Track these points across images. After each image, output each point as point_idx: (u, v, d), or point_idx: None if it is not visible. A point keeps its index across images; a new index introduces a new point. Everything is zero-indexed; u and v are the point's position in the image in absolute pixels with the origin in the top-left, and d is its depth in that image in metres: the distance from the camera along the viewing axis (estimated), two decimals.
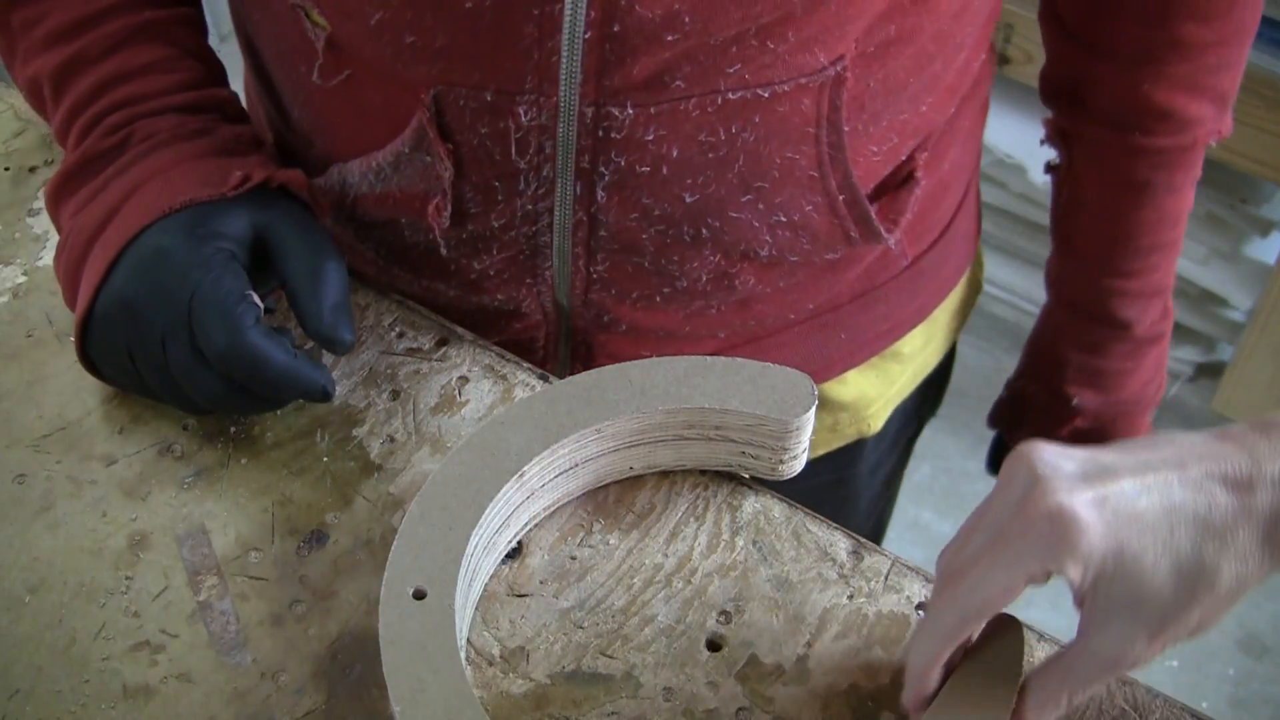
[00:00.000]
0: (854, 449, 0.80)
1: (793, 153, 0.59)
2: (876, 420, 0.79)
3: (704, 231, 0.61)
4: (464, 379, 0.63)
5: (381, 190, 0.64)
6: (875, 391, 0.77)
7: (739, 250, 0.63)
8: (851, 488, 0.85)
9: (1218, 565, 0.43)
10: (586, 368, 0.68)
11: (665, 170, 0.59)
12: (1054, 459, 0.45)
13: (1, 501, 0.58)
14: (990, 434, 0.95)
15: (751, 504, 0.58)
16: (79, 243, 0.60)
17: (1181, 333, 1.88)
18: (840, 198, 0.62)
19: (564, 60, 0.55)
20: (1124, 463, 0.45)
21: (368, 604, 0.54)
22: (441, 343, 0.65)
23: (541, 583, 0.55)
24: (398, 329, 0.66)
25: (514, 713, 0.51)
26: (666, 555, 0.56)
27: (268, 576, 0.55)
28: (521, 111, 0.57)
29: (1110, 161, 0.76)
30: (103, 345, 0.59)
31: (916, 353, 0.78)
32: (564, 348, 0.69)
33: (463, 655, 0.49)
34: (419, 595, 0.49)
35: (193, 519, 0.58)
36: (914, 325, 0.76)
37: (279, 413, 0.62)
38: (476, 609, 0.54)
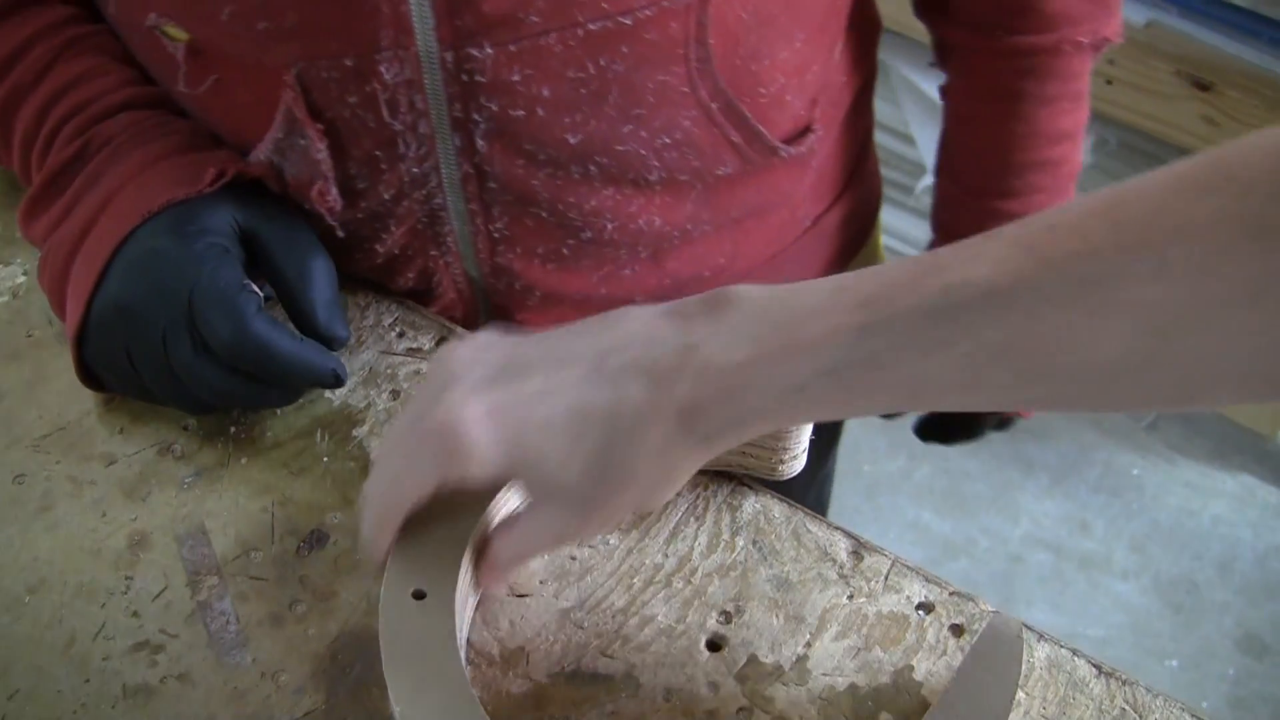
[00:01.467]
0: None
1: (664, 75, 0.59)
2: None
3: (591, 168, 0.61)
4: None
5: (278, 186, 0.63)
6: None
7: (629, 179, 0.63)
8: None
9: (631, 460, 0.44)
10: None
11: (541, 112, 0.58)
12: (468, 362, 0.46)
13: (1, 501, 0.58)
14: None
15: (751, 504, 0.58)
16: (60, 257, 0.60)
17: None
18: (714, 105, 0.62)
19: (414, 6, 0.54)
20: (542, 358, 0.46)
21: (368, 604, 0.54)
22: (441, 342, 0.65)
23: (541, 583, 0.55)
24: (398, 329, 0.65)
25: (514, 713, 0.51)
26: (666, 555, 0.56)
27: (268, 576, 0.55)
28: (384, 70, 0.56)
29: (979, 70, 0.74)
30: (101, 352, 0.59)
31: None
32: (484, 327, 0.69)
33: (463, 655, 0.49)
34: (419, 595, 0.49)
35: (193, 519, 0.58)
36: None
37: (279, 412, 0.62)
38: (476, 609, 0.54)
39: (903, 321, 0.40)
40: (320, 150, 0.59)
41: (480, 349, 0.47)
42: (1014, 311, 0.39)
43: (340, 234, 0.64)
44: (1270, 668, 1.65)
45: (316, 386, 0.61)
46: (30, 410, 0.62)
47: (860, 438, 1.87)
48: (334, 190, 0.61)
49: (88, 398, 0.62)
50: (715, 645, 0.53)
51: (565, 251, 0.65)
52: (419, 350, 0.65)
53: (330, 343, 0.59)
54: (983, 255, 0.40)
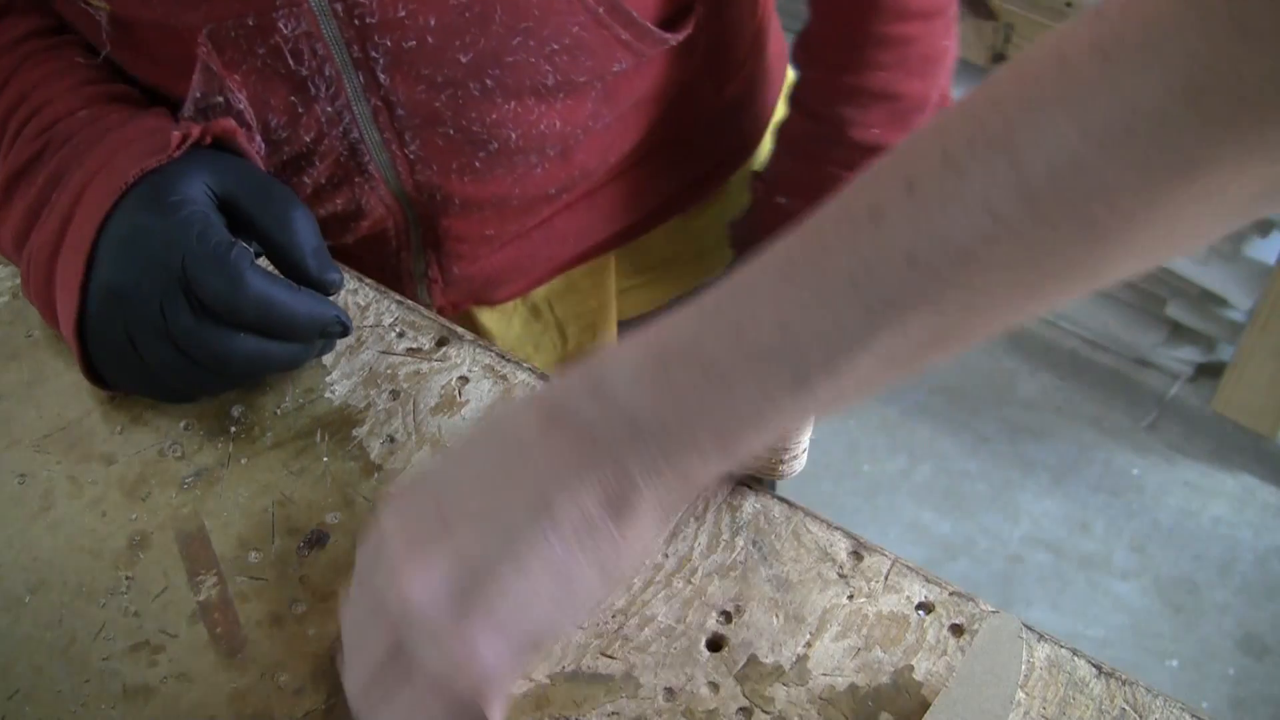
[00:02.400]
0: None
1: None
2: (718, 266, 0.82)
3: (488, 83, 0.64)
4: (464, 379, 0.63)
5: (203, 125, 0.63)
6: (714, 240, 0.80)
7: (527, 89, 0.65)
8: None
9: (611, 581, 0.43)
10: (439, 254, 0.72)
11: (431, 40, 0.61)
12: (419, 589, 0.41)
13: (1, 501, 0.58)
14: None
15: (751, 504, 0.58)
16: (42, 261, 0.60)
17: (1181, 333, 1.89)
18: (599, 9, 0.64)
19: None
20: (489, 546, 0.41)
21: None
22: (441, 343, 0.65)
23: None
24: (398, 329, 0.66)
25: (514, 713, 0.51)
26: (666, 555, 0.56)
27: (268, 576, 0.55)
28: (283, 25, 0.60)
29: None
30: (103, 342, 0.58)
31: (739, 194, 0.81)
32: (415, 235, 0.72)
33: None
34: None
35: (193, 519, 0.58)
36: (739, 165, 0.80)
37: (279, 412, 0.62)
38: None
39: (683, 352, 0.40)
40: (240, 101, 0.62)
41: (418, 566, 0.42)
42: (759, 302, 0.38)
43: (277, 171, 0.67)
44: (1271, 668, 1.65)
45: (324, 337, 0.60)
46: (30, 410, 0.62)
47: (860, 438, 1.87)
48: (259, 139, 0.64)
49: (88, 398, 0.62)
50: (715, 645, 0.53)
51: (477, 164, 0.68)
52: (419, 350, 0.65)
53: (325, 288, 0.60)
54: (753, 286, 0.39)
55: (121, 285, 0.57)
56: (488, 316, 0.79)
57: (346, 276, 0.68)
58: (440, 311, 0.76)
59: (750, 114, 0.79)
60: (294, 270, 0.60)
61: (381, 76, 0.63)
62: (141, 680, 0.52)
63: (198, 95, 0.63)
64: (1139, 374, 1.94)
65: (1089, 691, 0.51)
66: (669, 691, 0.52)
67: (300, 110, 0.64)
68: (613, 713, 0.51)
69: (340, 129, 0.65)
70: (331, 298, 0.61)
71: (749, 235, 0.84)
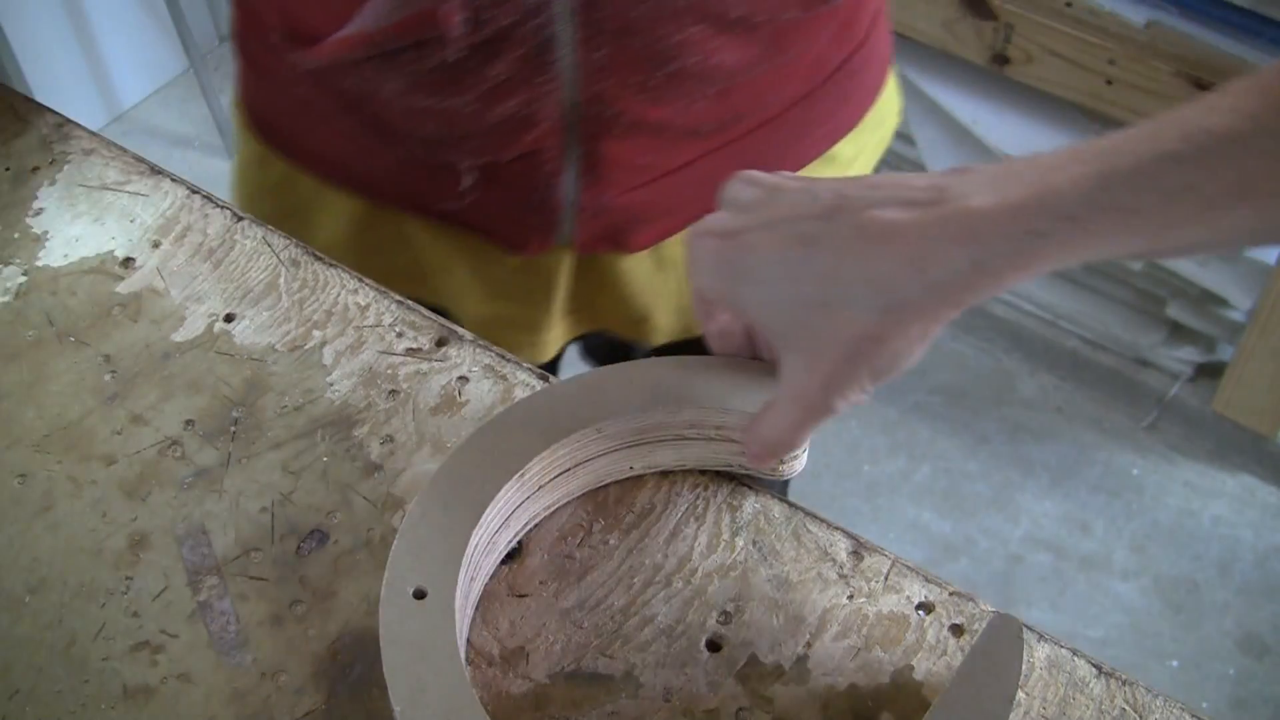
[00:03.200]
0: None
1: None
2: None
3: (688, 2, 0.66)
4: (464, 379, 0.63)
5: (400, 17, 0.65)
6: None
7: (715, 15, 0.67)
8: None
9: (851, 284, 0.47)
10: (593, 179, 0.72)
11: None
12: (733, 196, 0.53)
13: (2, 501, 0.58)
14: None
15: (751, 504, 0.58)
16: None
17: (1181, 333, 1.89)
18: None
19: None
20: (798, 189, 0.51)
21: (368, 604, 0.54)
22: (441, 343, 0.65)
23: (541, 583, 0.55)
24: (398, 329, 0.66)
25: (514, 713, 0.51)
26: (666, 555, 0.56)
27: (268, 576, 0.55)
28: None
29: None
30: None
31: (848, 164, 0.84)
32: (572, 157, 0.72)
33: (463, 655, 0.49)
34: (419, 595, 0.49)
35: (193, 519, 0.58)
36: (847, 131, 0.82)
37: (279, 412, 0.62)
38: (477, 609, 0.54)
39: (1145, 168, 0.43)
40: None
41: (749, 183, 0.52)
42: (1252, 153, 0.41)
43: (456, 59, 0.66)
44: (1271, 668, 1.64)
45: None
46: (30, 410, 0.62)
47: (860, 438, 1.87)
48: (461, 13, 0.64)
49: (88, 398, 0.62)
50: (715, 645, 0.53)
51: (653, 83, 0.69)
52: (419, 350, 0.65)
53: None
54: (1216, 108, 0.43)
55: None
56: (619, 264, 0.80)
57: (346, 276, 0.68)
58: (580, 250, 0.77)
59: (866, 80, 0.84)
60: None
61: None
62: (141, 680, 0.52)
63: None
64: (1139, 374, 1.94)
65: (1089, 691, 0.51)
66: (669, 691, 0.52)
67: None
68: (613, 713, 0.51)
69: (538, 21, 0.65)
70: None
71: None
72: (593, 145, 0.71)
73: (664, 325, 0.83)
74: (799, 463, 0.57)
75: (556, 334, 0.83)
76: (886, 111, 0.88)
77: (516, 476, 0.53)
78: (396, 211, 0.78)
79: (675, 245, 0.80)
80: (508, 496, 0.53)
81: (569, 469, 0.56)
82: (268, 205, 0.81)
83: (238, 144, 0.84)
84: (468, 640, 0.53)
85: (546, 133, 0.70)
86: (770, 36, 0.71)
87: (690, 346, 0.83)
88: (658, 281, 0.81)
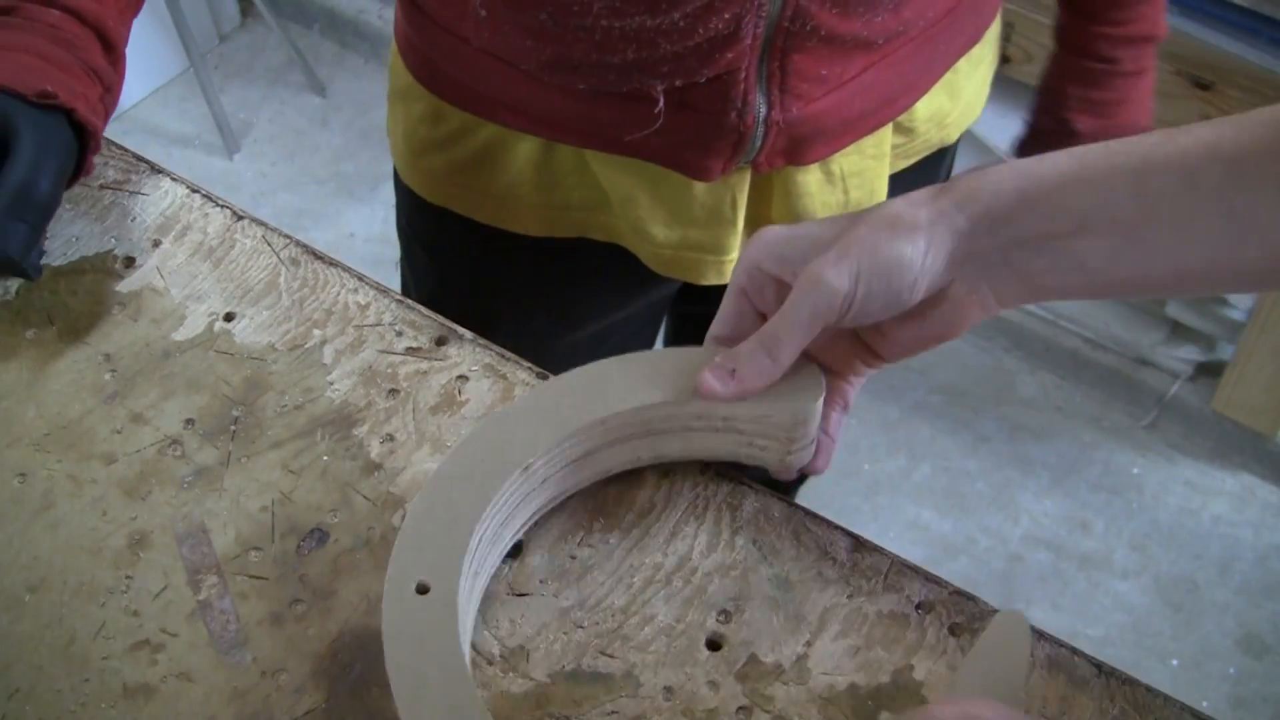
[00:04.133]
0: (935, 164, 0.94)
1: None
2: (954, 130, 0.91)
3: None
4: (464, 378, 0.63)
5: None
6: (949, 104, 0.89)
7: None
8: None
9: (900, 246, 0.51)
10: (782, 93, 0.74)
11: None
12: None
13: (1, 501, 0.58)
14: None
15: (751, 503, 0.58)
16: None
17: (1181, 333, 1.89)
18: None
19: None
20: None
21: (368, 603, 0.54)
22: (441, 342, 0.65)
23: (541, 582, 0.55)
24: (397, 328, 0.65)
25: (514, 712, 0.51)
26: (666, 554, 0.56)
27: (268, 576, 0.55)
28: None
29: None
30: None
31: (963, 86, 0.89)
32: (763, 74, 0.73)
33: (466, 651, 0.49)
34: (422, 590, 0.49)
35: (193, 519, 0.58)
36: (974, 43, 0.88)
37: (279, 412, 0.62)
38: (478, 608, 0.54)
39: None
40: None
41: None
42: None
43: None
44: (1271, 667, 1.64)
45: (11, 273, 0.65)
46: (30, 410, 0.62)
47: (860, 437, 1.87)
48: None
49: (88, 397, 0.62)
50: (715, 645, 0.53)
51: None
52: (419, 349, 0.65)
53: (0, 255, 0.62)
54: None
55: None
56: (793, 178, 0.82)
57: (346, 275, 0.68)
58: (760, 167, 0.79)
59: (980, 13, 0.88)
60: None
61: None
62: (141, 680, 0.52)
63: None
64: (1139, 373, 1.94)
65: (1089, 691, 0.51)
66: (669, 691, 0.52)
67: None
68: (612, 712, 0.51)
69: None
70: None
71: (1036, 151, 0.96)
72: (784, 61, 0.73)
73: None
74: (806, 454, 0.57)
75: (738, 255, 0.85)
76: (994, 33, 0.94)
77: (521, 470, 0.53)
78: (578, 148, 0.80)
79: (843, 159, 0.83)
80: (512, 490, 0.53)
81: (574, 460, 0.56)
82: (442, 159, 0.83)
83: (399, 104, 0.85)
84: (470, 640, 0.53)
85: (745, 50, 0.72)
86: None
87: None
88: (826, 193, 0.84)
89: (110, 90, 0.69)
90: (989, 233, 0.52)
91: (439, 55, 0.79)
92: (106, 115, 0.69)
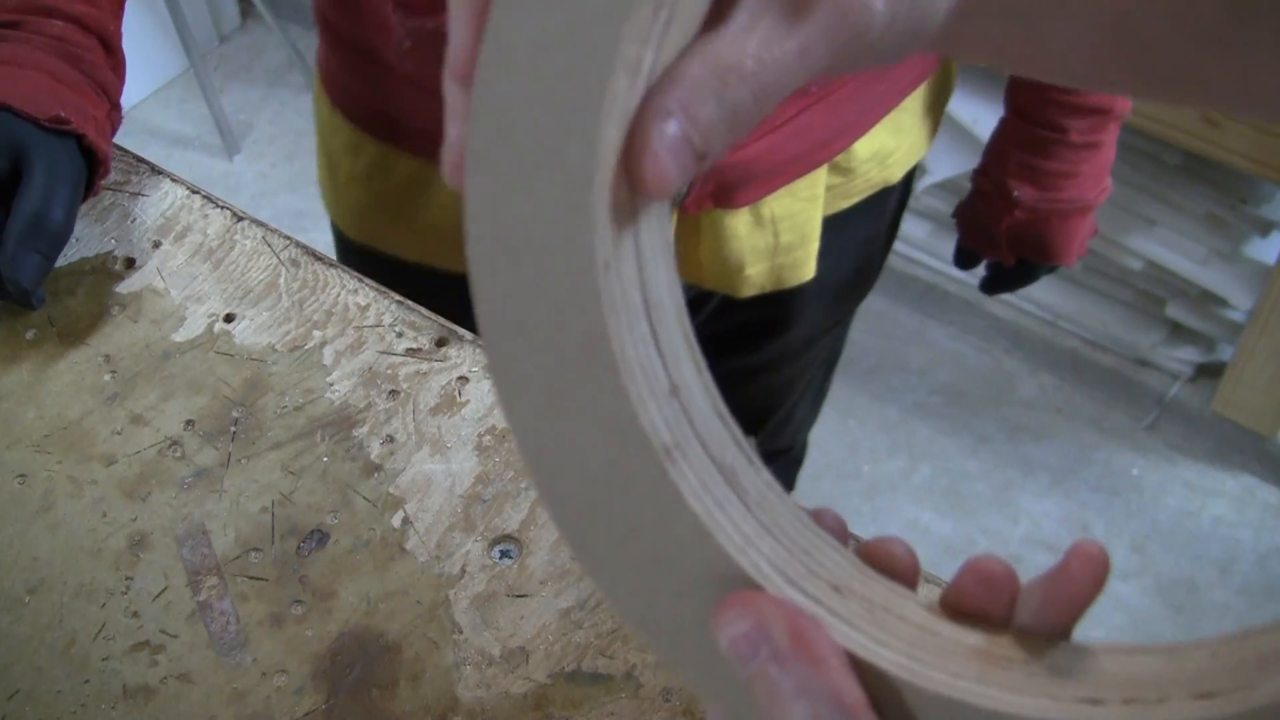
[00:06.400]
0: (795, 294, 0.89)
1: None
2: (898, 170, 0.88)
3: None
4: (464, 379, 0.63)
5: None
6: (893, 143, 0.86)
7: None
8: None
9: None
10: None
11: None
12: None
13: (2, 501, 0.58)
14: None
15: None
16: None
17: (1181, 333, 1.89)
18: None
19: None
20: None
21: (368, 604, 0.54)
22: (441, 343, 0.65)
23: (541, 583, 0.55)
24: (398, 329, 0.66)
25: (514, 713, 0.51)
26: None
27: (268, 576, 0.55)
28: None
29: None
30: None
31: (909, 124, 0.86)
32: None
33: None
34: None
35: (193, 519, 0.58)
36: (920, 82, 0.85)
37: (279, 412, 0.62)
38: (477, 609, 0.54)
39: None
40: None
41: None
42: None
43: None
44: None
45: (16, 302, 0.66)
46: (30, 410, 0.62)
47: (860, 438, 1.87)
48: None
49: (88, 398, 0.62)
50: None
51: None
52: (419, 350, 0.65)
53: (12, 284, 0.63)
54: None
55: None
56: (721, 220, 0.81)
57: (346, 276, 0.68)
58: (685, 211, 0.78)
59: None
60: (2, 256, 0.62)
61: None
62: (141, 680, 0.52)
63: None
64: (1139, 374, 1.94)
65: None
66: (668, 692, 0.52)
67: None
68: (612, 713, 0.51)
69: None
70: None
71: (976, 220, 0.98)
72: None
73: (755, 278, 0.85)
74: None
75: None
76: (948, 67, 0.91)
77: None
78: None
79: (774, 202, 0.82)
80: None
81: None
82: (365, 194, 0.82)
83: (321, 137, 0.85)
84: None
85: None
86: None
87: (778, 299, 0.87)
88: (755, 236, 0.83)
89: (116, 106, 0.70)
90: None
91: (359, 83, 0.78)
92: (113, 133, 0.69)
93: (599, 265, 0.29)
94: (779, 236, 0.84)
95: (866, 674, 0.31)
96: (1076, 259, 0.99)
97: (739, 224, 0.81)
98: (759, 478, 0.34)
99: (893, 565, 0.35)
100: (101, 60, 0.69)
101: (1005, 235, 0.98)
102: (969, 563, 0.33)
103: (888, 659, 0.31)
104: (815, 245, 0.86)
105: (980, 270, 1.06)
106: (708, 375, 0.34)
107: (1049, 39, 0.38)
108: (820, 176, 0.84)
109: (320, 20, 0.80)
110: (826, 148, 0.82)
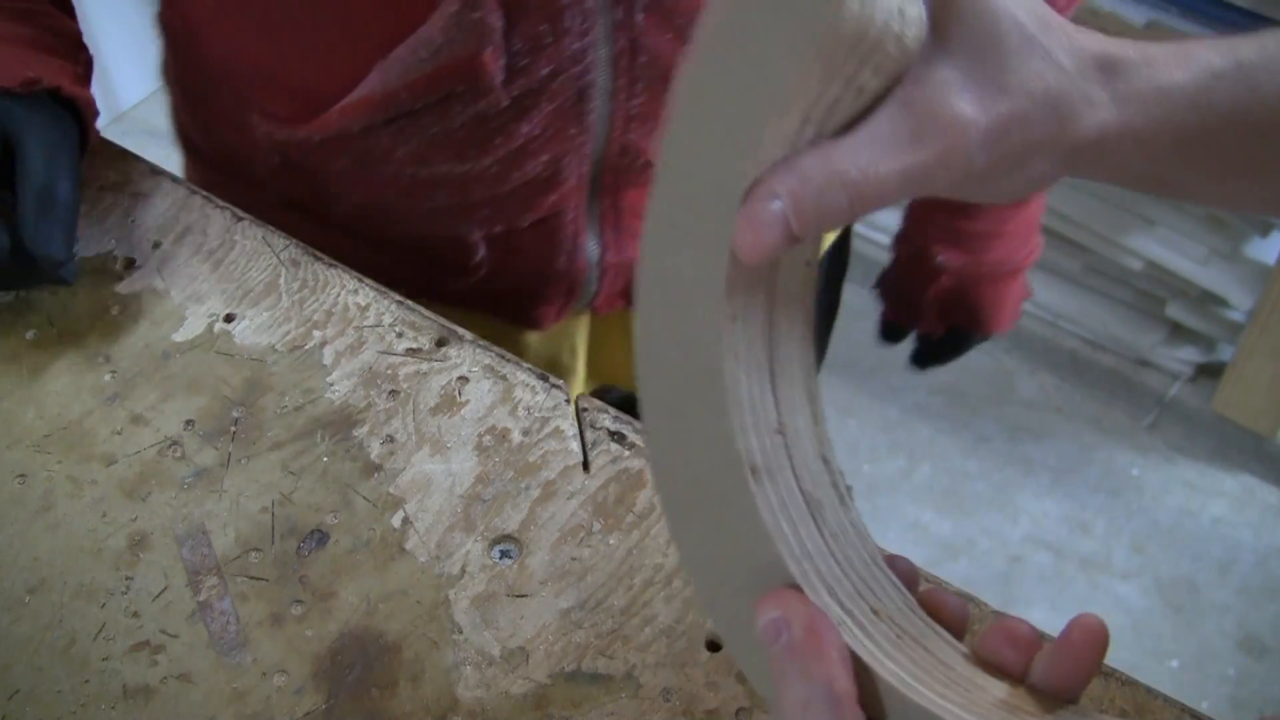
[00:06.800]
0: None
1: None
2: (830, 235, 0.85)
3: None
4: (464, 379, 0.63)
5: (433, 68, 0.63)
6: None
7: None
8: None
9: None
10: (616, 234, 0.70)
11: None
12: None
13: (2, 501, 0.58)
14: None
15: None
16: None
17: (1181, 333, 1.89)
18: None
19: None
20: None
21: (368, 604, 0.54)
22: (441, 343, 0.65)
23: (541, 583, 0.55)
24: (398, 329, 0.66)
25: (514, 713, 0.51)
26: (666, 555, 0.56)
27: (268, 576, 0.55)
28: None
29: None
30: None
31: None
32: (593, 213, 0.69)
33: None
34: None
35: (193, 519, 0.58)
36: None
37: (279, 412, 0.62)
38: (477, 609, 0.54)
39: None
40: (497, 18, 0.59)
41: None
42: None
43: (503, 103, 0.63)
44: (1271, 668, 1.64)
45: (42, 282, 0.65)
46: (30, 410, 0.62)
47: (860, 437, 1.87)
48: (503, 58, 0.61)
49: (88, 398, 0.62)
50: (715, 645, 0.53)
51: None
52: (419, 350, 0.65)
53: (46, 261, 0.61)
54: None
55: None
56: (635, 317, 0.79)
57: (346, 276, 0.68)
58: (596, 312, 0.74)
59: None
60: (22, 230, 0.61)
61: (638, 16, 0.61)
62: (141, 680, 0.52)
63: (453, 11, 0.59)
64: (1139, 374, 1.94)
65: (1089, 691, 0.51)
66: (668, 692, 0.52)
67: (547, 42, 0.61)
68: (612, 713, 0.51)
69: (578, 69, 0.62)
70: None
71: (899, 290, 0.93)
72: (615, 198, 0.69)
73: None
74: None
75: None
76: None
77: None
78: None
79: None
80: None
81: None
82: None
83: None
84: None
85: (570, 192, 0.67)
86: None
87: None
88: None
89: (81, 47, 0.67)
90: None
91: (230, 204, 0.76)
92: (88, 76, 0.66)
93: (725, 316, 0.37)
94: None
95: (870, 680, 0.37)
96: (1010, 324, 0.93)
97: None
98: (844, 517, 0.41)
99: (941, 612, 0.40)
100: (47, 7, 0.66)
101: (933, 304, 0.92)
102: (998, 620, 0.38)
103: (889, 670, 0.37)
104: None
105: (909, 343, 1.00)
106: (823, 427, 0.41)
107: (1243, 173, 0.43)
108: None
109: (182, 139, 0.78)
110: None
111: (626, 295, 0.75)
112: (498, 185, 0.67)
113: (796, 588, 0.38)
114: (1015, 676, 0.38)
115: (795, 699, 0.36)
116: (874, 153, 0.36)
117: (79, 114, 0.65)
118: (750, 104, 0.34)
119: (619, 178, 0.68)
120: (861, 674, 0.37)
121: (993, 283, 0.89)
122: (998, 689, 0.37)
